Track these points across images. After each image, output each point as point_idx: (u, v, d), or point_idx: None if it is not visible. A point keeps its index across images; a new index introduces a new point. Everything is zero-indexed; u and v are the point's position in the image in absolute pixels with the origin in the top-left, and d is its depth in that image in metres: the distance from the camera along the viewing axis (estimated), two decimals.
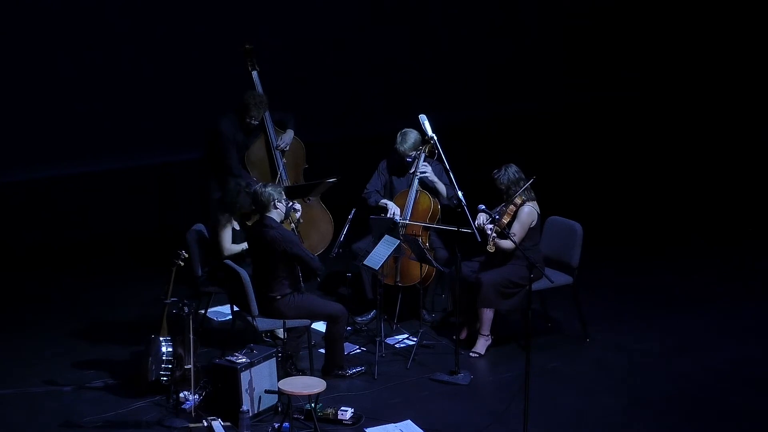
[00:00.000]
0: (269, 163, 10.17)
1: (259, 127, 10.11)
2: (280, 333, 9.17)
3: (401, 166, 9.94)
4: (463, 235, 8.95)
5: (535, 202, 9.25)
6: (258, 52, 10.47)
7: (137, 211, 12.01)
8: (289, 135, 10.24)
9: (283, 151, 10.20)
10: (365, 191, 9.96)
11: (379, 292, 9.23)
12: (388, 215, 9.69)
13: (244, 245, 9.16)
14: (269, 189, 8.75)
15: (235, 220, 9.31)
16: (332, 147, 12.51)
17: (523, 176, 9.19)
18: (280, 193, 8.78)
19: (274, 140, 10.17)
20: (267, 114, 10.15)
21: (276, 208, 8.72)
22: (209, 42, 12.10)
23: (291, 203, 9.09)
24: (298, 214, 9.13)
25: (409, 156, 9.82)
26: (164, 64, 12.03)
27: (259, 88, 10.23)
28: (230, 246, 9.23)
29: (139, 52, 11.91)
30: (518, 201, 9.17)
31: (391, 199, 9.88)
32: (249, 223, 9.29)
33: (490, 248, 8.98)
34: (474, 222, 9.10)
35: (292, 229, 9.09)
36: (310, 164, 10.51)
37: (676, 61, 15.16)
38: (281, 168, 10.13)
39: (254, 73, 10.34)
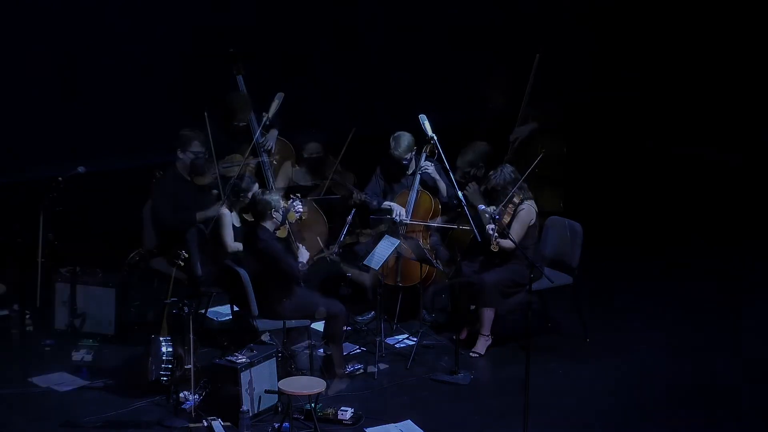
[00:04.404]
0: (257, 168, 10.08)
1: (244, 131, 10.00)
2: (265, 337, 9.13)
3: (398, 171, 9.89)
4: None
5: (533, 201, 9.25)
6: (253, 54, 10.44)
7: (137, 211, 11.98)
8: (272, 134, 10.15)
9: (268, 152, 10.13)
10: (365, 196, 9.92)
11: (379, 292, 9.23)
12: (394, 216, 9.67)
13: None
14: (266, 197, 8.67)
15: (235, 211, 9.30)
16: (331, 147, 12.48)
17: (518, 176, 9.19)
18: (278, 200, 8.70)
19: (258, 139, 10.06)
20: (252, 116, 10.05)
21: (272, 217, 8.67)
22: (209, 42, 12.07)
23: (292, 200, 9.00)
24: (297, 215, 9.05)
25: (406, 159, 9.78)
26: (164, 64, 12.02)
27: (243, 92, 10.12)
28: (233, 243, 9.21)
29: (140, 52, 11.90)
30: (516, 200, 9.17)
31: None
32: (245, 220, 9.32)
33: (494, 248, 8.97)
34: (473, 223, 9.09)
35: (296, 231, 8.97)
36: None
37: (676, 61, 15.14)
38: (267, 168, 10.06)
39: (239, 78, 10.23)
